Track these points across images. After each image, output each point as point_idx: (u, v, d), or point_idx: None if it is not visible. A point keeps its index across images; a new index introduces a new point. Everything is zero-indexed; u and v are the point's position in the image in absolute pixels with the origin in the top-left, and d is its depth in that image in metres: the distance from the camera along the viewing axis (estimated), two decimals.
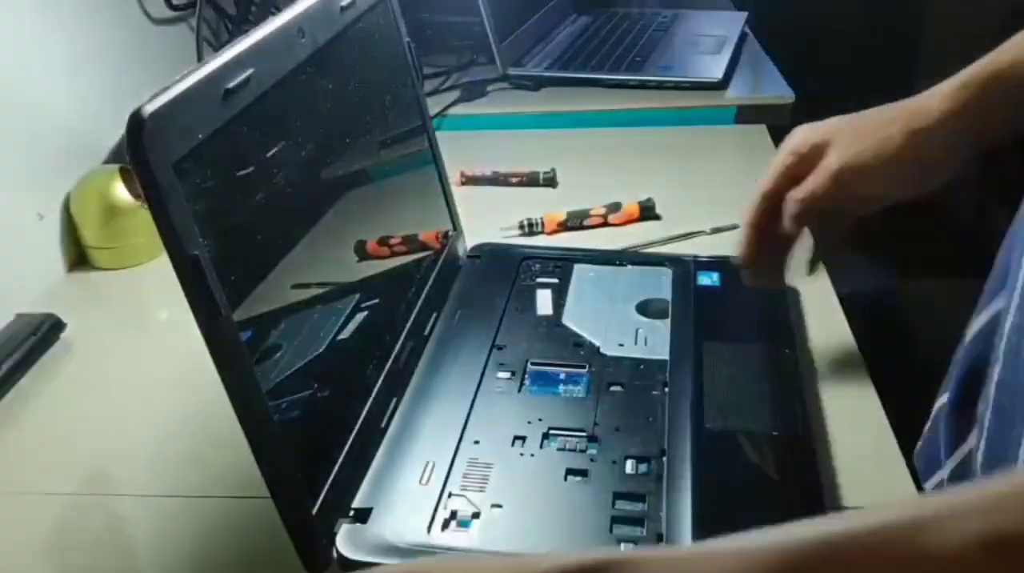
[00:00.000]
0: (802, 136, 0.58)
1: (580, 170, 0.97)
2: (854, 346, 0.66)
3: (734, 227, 0.81)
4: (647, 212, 0.85)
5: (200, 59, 1.05)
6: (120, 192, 0.84)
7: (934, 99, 0.54)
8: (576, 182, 0.95)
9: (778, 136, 1.03)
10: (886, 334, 0.98)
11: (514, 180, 0.95)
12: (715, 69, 1.14)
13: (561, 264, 0.74)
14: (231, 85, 0.43)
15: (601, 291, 0.70)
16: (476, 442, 0.55)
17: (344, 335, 0.54)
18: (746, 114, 1.07)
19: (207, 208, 0.41)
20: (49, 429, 0.65)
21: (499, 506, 0.50)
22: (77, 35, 0.89)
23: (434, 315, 0.67)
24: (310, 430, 0.49)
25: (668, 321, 0.66)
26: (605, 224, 0.85)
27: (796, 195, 0.57)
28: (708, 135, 1.06)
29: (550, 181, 0.95)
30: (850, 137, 0.56)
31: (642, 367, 0.61)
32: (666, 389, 0.59)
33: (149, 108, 0.38)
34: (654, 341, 0.64)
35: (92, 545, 0.54)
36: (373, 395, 0.56)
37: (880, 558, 0.27)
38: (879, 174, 0.55)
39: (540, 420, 0.56)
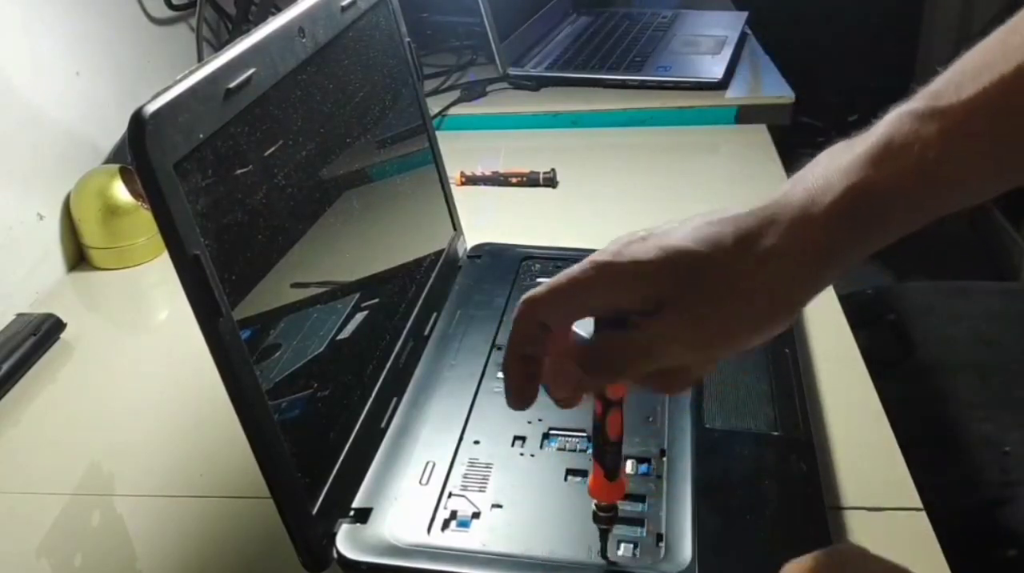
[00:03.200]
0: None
1: (580, 170, 0.97)
2: (854, 346, 0.66)
3: None
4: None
5: (200, 59, 1.05)
6: (120, 192, 0.84)
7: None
8: (576, 182, 0.95)
9: (778, 136, 1.03)
10: (886, 334, 0.98)
11: (514, 180, 0.95)
12: (715, 69, 1.14)
13: (561, 264, 0.74)
14: (232, 85, 0.43)
15: None
16: (476, 442, 0.55)
17: (344, 335, 0.54)
18: (746, 114, 1.07)
19: (208, 208, 0.41)
20: (49, 429, 0.65)
21: (499, 506, 0.50)
22: (77, 35, 0.89)
23: (434, 315, 0.67)
24: (310, 430, 0.49)
25: None
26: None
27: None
28: (708, 135, 1.06)
29: (550, 181, 0.95)
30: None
31: None
32: None
33: (150, 108, 0.38)
34: None
35: (92, 545, 0.54)
36: (373, 395, 0.56)
37: None
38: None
39: (540, 420, 0.56)
